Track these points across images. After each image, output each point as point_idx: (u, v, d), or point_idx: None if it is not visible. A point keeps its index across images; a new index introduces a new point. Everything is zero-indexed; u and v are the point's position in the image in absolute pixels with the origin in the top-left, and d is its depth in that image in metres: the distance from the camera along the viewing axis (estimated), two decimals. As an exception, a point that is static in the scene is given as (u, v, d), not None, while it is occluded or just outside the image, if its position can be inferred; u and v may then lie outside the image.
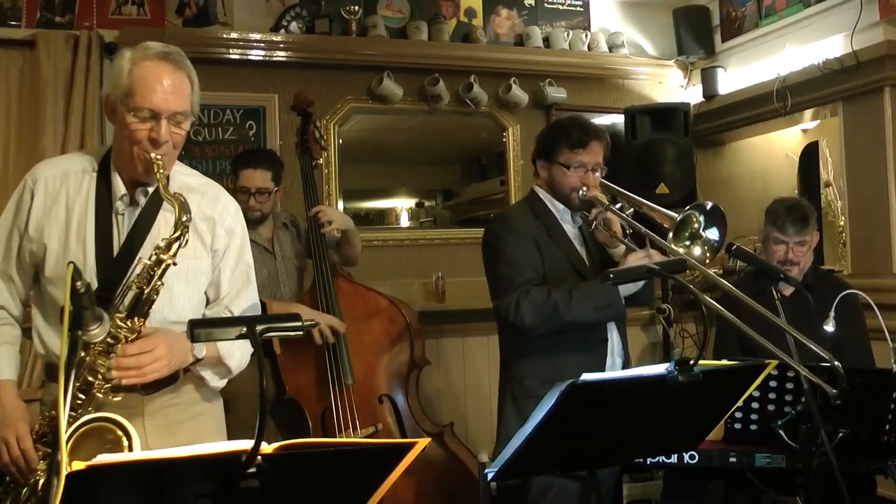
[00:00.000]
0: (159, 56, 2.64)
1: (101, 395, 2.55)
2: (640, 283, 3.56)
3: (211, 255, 2.87)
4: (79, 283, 2.21)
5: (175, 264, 2.55)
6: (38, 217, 2.74)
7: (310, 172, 4.70)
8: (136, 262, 2.61)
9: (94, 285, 2.61)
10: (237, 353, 2.84)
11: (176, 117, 2.64)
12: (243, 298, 2.95)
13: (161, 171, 2.58)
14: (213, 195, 2.93)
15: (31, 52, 5.36)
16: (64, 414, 1.96)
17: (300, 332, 2.08)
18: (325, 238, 4.55)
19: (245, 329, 1.96)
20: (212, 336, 2.04)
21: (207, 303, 2.93)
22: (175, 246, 2.53)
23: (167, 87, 2.61)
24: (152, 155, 2.59)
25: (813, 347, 2.86)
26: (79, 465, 1.71)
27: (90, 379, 2.54)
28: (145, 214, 2.75)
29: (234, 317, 2.83)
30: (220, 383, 2.91)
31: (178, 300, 2.74)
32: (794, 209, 4.19)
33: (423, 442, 2.02)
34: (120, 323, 2.54)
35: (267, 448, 1.82)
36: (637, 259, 3.43)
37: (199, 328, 2.00)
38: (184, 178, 2.87)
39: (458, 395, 6.08)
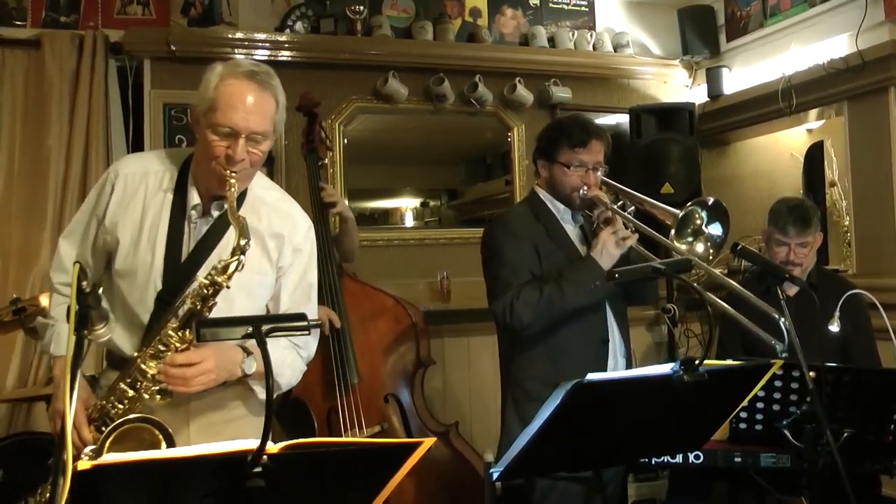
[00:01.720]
0: (246, 75, 2.68)
1: (147, 397, 2.63)
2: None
3: (276, 270, 2.91)
4: (84, 283, 2.21)
5: (229, 287, 2.58)
6: (115, 210, 2.80)
7: (315, 172, 4.70)
8: (193, 279, 2.64)
9: (159, 287, 2.74)
10: (287, 371, 2.89)
11: (255, 137, 2.67)
12: None
13: (233, 189, 2.62)
14: (286, 211, 2.96)
15: (36, 52, 5.36)
16: (70, 413, 1.96)
17: (307, 332, 2.09)
18: (331, 239, 4.56)
19: (251, 328, 1.96)
20: (218, 335, 2.05)
21: None
22: (231, 269, 2.56)
23: (249, 106, 2.65)
24: (227, 171, 2.63)
25: (762, 336, 2.89)
26: (85, 465, 1.71)
27: (139, 378, 2.62)
28: (216, 227, 2.80)
29: (240, 316, 2.83)
30: None
31: (237, 312, 2.75)
32: (796, 210, 4.19)
33: (428, 441, 2.03)
34: (171, 333, 2.59)
35: (273, 447, 1.82)
36: (607, 235, 3.46)
37: (206, 328, 2.00)
38: (259, 192, 2.92)
39: (463, 395, 6.08)
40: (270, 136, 2.75)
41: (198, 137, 2.76)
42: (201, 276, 2.61)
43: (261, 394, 2.88)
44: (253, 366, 2.76)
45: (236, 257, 2.56)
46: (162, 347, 2.59)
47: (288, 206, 2.99)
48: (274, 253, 2.89)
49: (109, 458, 1.73)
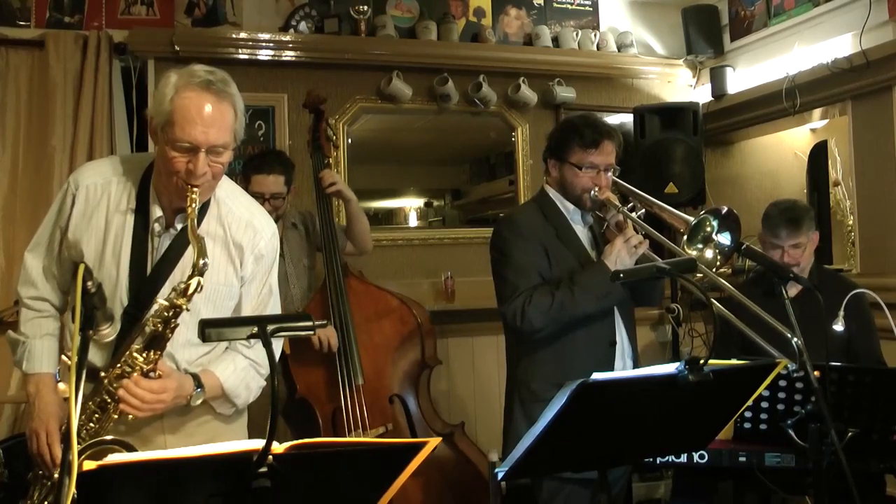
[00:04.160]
0: (202, 86, 2.59)
1: (116, 416, 2.63)
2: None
3: (240, 280, 2.88)
4: (90, 283, 2.22)
5: (188, 310, 2.56)
6: (77, 223, 2.76)
7: (321, 170, 4.70)
8: (159, 292, 2.65)
9: (125, 302, 2.71)
10: (243, 392, 2.87)
11: (216, 149, 2.61)
12: None
13: (194, 204, 2.59)
14: (248, 220, 2.90)
15: (40, 53, 5.37)
16: (75, 413, 1.97)
17: (312, 332, 2.09)
18: (336, 235, 4.57)
19: (256, 328, 1.96)
20: (223, 336, 2.05)
21: None
22: (191, 290, 2.54)
23: (207, 119, 2.57)
24: (188, 186, 2.59)
25: (775, 325, 2.90)
26: (90, 465, 1.71)
27: (107, 399, 2.61)
28: (180, 239, 2.75)
29: (245, 317, 2.84)
30: (227, 411, 2.91)
31: None
32: (786, 212, 4.20)
33: (433, 442, 2.03)
34: (136, 355, 2.58)
35: (278, 448, 1.82)
36: (620, 243, 3.45)
37: (211, 328, 2.00)
38: (224, 199, 2.87)
39: (467, 395, 6.08)
40: (231, 147, 2.68)
41: (157, 149, 2.70)
42: (165, 291, 2.61)
43: (219, 408, 2.86)
44: (200, 399, 2.74)
45: (195, 279, 2.53)
46: (128, 369, 2.58)
47: (250, 215, 2.92)
48: (237, 261, 2.86)
49: (114, 458, 1.73)
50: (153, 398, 2.58)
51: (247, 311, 2.92)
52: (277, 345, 3.01)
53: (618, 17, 6.99)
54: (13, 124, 5.34)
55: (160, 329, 2.55)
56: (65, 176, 5.21)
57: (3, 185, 5.29)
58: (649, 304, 3.99)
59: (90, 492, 1.74)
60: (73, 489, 1.73)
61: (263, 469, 1.82)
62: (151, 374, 2.59)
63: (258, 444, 1.81)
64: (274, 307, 3.01)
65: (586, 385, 2.18)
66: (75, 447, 1.87)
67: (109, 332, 2.51)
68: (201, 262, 2.53)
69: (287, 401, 4.41)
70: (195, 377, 2.71)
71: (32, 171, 5.31)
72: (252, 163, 4.61)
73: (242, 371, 2.84)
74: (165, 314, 2.54)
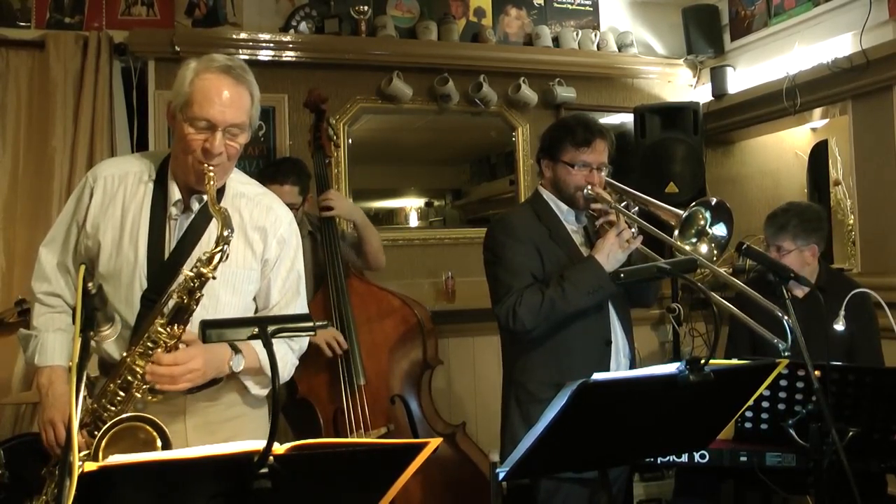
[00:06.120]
0: (221, 69, 2.73)
1: (139, 395, 2.63)
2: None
3: (261, 264, 2.92)
4: (90, 285, 2.22)
5: (214, 278, 2.60)
6: (95, 214, 2.81)
7: (323, 170, 4.70)
8: (178, 275, 2.66)
9: (144, 286, 2.75)
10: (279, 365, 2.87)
11: (232, 130, 2.70)
12: (292, 309, 2.99)
13: (212, 182, 2.64)
14: (267, 205, 2.97)
15: (40, 54, 5.36)
16: (76, 414, 1.97)
17: (313, 333, 2.09)
18: (338, 238, 4.56)
19: (257, 329, 1.96)
20: (223, 336, 2.05)
21: (256, 311, 2.99)
22: (216, 259, 2.58)
23: (225, 99, 2.68)
24: (205, 165, 2.65)
25: (767, 305, 2.92)
26: (91, 466, 1.71)
27: (130, 378, 2.62)
28: (197, 221, 2.81)
29: (246, 317, 2.85)
30: (261, 392, 2.95)
31: (223, 308, 2.80)
32: (774, 215, 4.24)
33: (434, 442, 2.03)
34: (160, 329, 2.60)
35: (279, 448, 1.82)
36: (612, 237, 3.46)
37: (211, 328, 2.00)
38: (239, 187, 2.94)
39: (468, 395, 6.08)
40: (247, 130, 2.78)
41: (174, 133, 2.79)
42: (186, 269, 2.62)
43: (253, 389, 2.91)
44: (241, 363, 2.78)
45: (220, 247, 2.58)
46: (151, 345, 2.60)
47: (269, 200, 3.00)
48: (258, 245, 2.90)
49: (114, 459, 1.73)
50: (183, 368, 2.61)
51: (275, 297, 2.97)
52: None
53: (618, 17, 6.98)
54: (13, 125, 5.34)
55: (185, 301, 2.58)
56: (65, 176, 5.22)
57: (3, 185, 5.28)
58: (643, 305, 3.99)
59: (91, 492, 1.74)
60: (73, 490, 1.72)
61: (264, 470, 1.81)
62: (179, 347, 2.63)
63: (259, 444, 1.81)
64: (302, 291, 3.06)
65: (587, 385, 2.19)
66: (76, 448, 1.87)
67: (110, 333, 2.52)
68: (226, 231, 2.57)
69: (287, 401, 4.40)
70: (231, 345, 2.74)
71: (33, 171, 5.30)
72: (267, 171, 4.61)
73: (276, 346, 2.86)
74: (191, 284, 2.57)
